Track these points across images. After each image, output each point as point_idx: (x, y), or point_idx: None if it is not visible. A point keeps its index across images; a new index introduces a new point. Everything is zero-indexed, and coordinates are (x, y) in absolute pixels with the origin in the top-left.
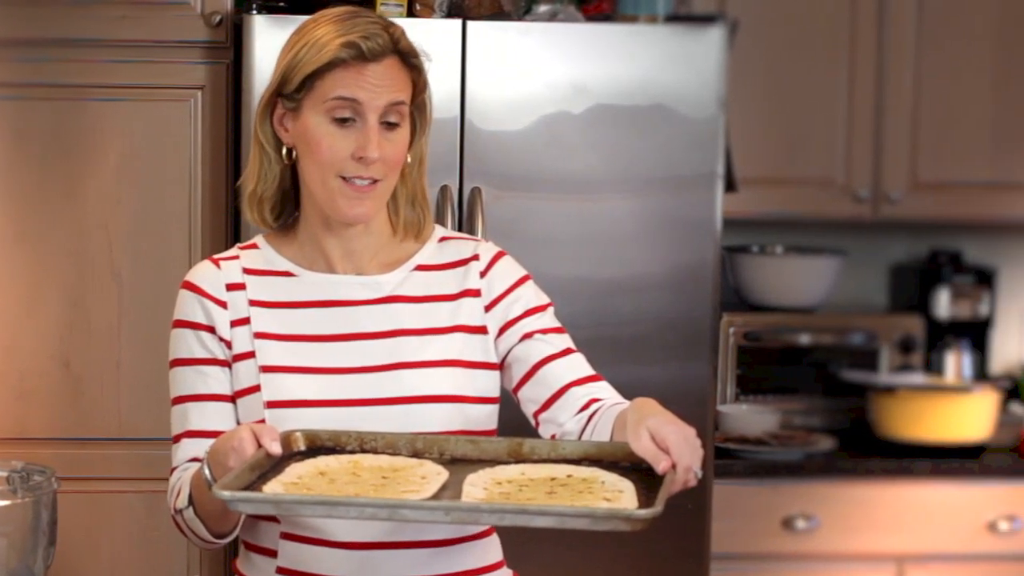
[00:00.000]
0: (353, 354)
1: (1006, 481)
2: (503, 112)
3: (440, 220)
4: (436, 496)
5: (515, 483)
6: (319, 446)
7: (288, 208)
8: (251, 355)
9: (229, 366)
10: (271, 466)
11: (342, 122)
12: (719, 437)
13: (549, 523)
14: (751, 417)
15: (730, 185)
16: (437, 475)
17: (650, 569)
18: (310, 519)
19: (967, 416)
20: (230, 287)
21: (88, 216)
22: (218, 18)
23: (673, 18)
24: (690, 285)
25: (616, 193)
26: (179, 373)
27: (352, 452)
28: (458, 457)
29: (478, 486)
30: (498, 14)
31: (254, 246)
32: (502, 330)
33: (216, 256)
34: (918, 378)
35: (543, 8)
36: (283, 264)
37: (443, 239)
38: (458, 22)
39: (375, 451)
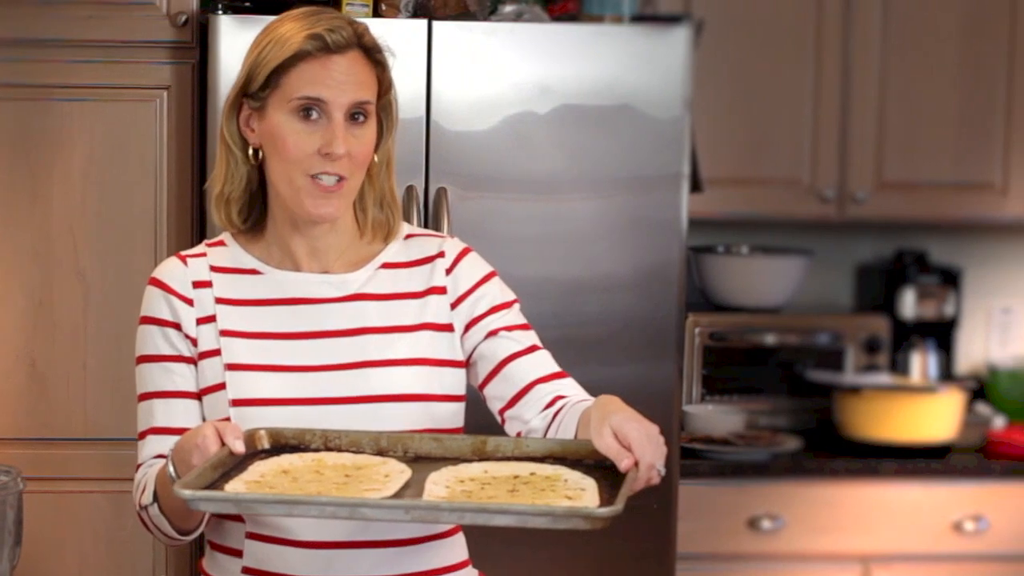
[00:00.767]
0: (319, 352)
1: (971, 481)
2: (469, 112)
3: (406, 220)
4: (398, 494)
5: (478, 481)
6: (283, 444)
7: (255, 210)
8: (217, 353)
9: (195, 363)
10: (234, 464)
11: (307, 117)
12: (685, 437)
13: (509, 522)
14: (717, 417)
15: (696, 185)
16: (400, 473)
17: (616, 569)
18: (275, 519)
19: (932, 416)
20: (196, 284)
21: (53, 216)
22: (183, 18)
23: (638, 18)
24: (656, 285)
25: (582, 193)
26: (145, 369)
27: (316, 450)
28: (422, 455)
29: (440, 484)
30: (464, 14)
31: (221, 243)
32: (468, 327)
33: (183, 253)
34: (884, 378)
35: (508, 8)
36: (250, 262)
37: (409, 236)
38: (424, 22)
39: (339, 449)
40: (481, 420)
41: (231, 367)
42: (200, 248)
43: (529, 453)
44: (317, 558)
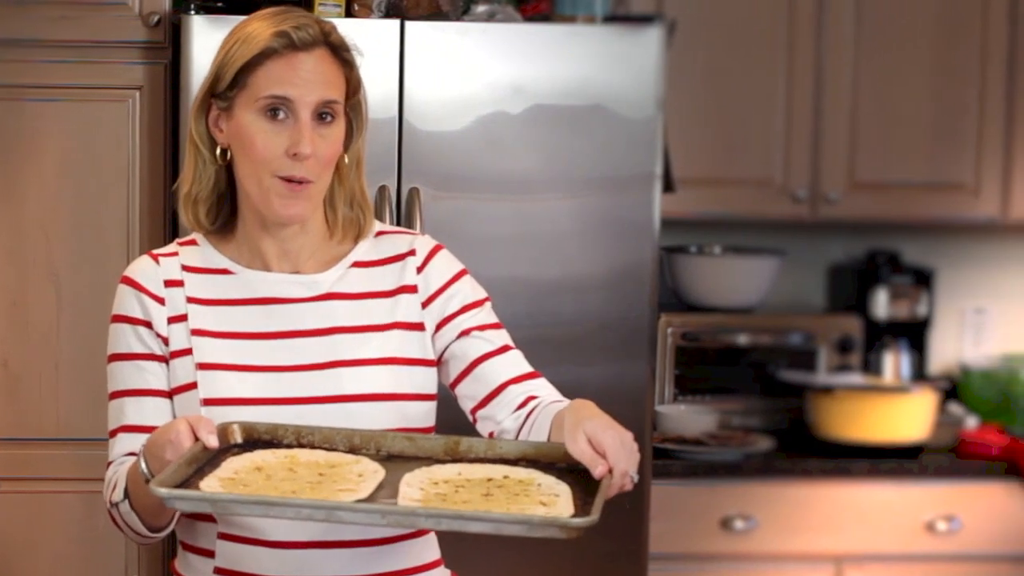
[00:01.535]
0: (290, 352)
1: (944, 481)
2: (441, 112)
3: (379, 220)
4: (373, 495)
5: (452, 483)
6: (256, 439)
7: (224, 210)
8: (188, 352)
9: (166, 362)
10: (208, 459)
11: (274, 117)
12: (657, 437)
13: (485, 529)
14: (689, 417)
15: (668, 185)
16: (374, 473)
17: (588, 570)
18: (247, 519)
19: (905, 416)
20: (168, 283)
21: (26, 216)
22: (156, 18)
23: (611, 18)
24: (628, 285)
25: (554, 193)
26: (117, 368)
27: (289, 446)
28: (395, 453)
29: (414, 486)
30: (436, 14)
31: (193, 242)
32: (439, 326)
33: (155, 252)
34: (856, 378)
35: (481, 8)
36: (221, 261)
37: (379, 233)
38: (396, 22)
39: (312, 445)
40: (453, 419)
41: (202, 366)
42: (172, 247)
43: (502, 455)
44: (289, 558)
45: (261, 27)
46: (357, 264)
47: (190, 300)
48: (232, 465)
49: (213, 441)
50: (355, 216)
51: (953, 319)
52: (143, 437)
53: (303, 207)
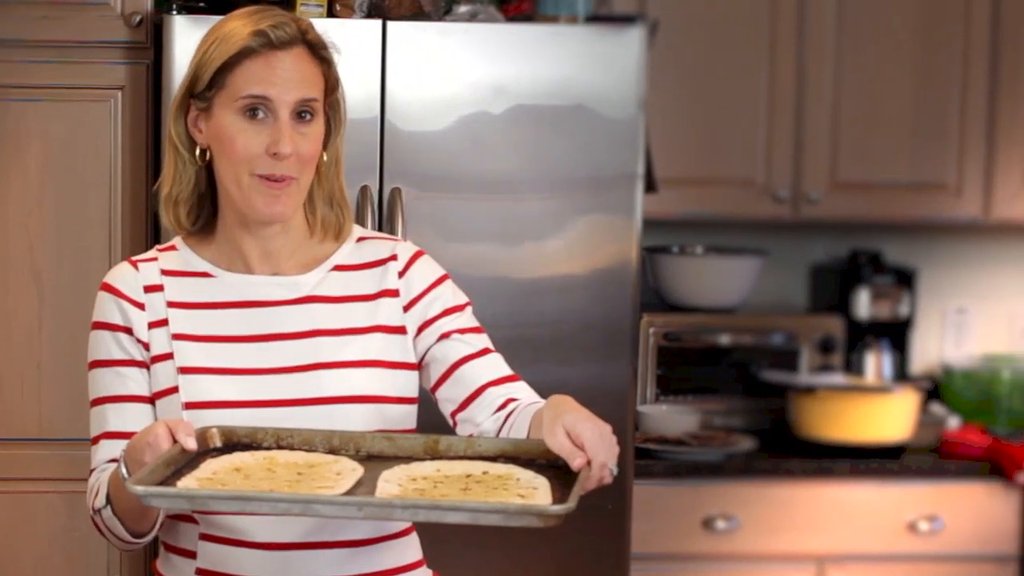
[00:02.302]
0: (271, 355)
1: (926, 481)
2: (423, 112)
3: (360, 220)
4: (351, 492)
5: (430, 480)
6: (235, 442)
7: (204, 211)
8: (169, 356)
9: (147, 367)
10: (186, 462)
11: (253, 117)
12: (639, 437)
13: (462, 519)
14: (671, 417)
15: (650, 185)
16: (352, 471)
17: (570, 570)
18: (228, 519)
19: (887, 416)
20: (148, 289)
21: (8, 217)
22: (138, 18)
23: (593, 18)
24: (610, 285)
25: (536, 193)
26: (98, 375)
27: (268, 448)
28: (374, 454)
29: (393, 482)
30: (418, 14)
31: (173, 248)
32: (420, 330)
33: (134, 258)
34: (838, 378)
35: (463, 8)
36: (201, 265)
37: (361, 239)
38: (378, 22)
39: (291, 447)
40: (433, 422)
41: (183, 370)
42: (151, 253)
43: (481, 452)
44: (271, 559)
45: (238, 26)
46: (338, 268)
47: (170, 304)
48: (211, 466)
49: (191, 443)
50: (335, 215)
51: (935, 319)
52: (125, 443)
53: (286, 205)
